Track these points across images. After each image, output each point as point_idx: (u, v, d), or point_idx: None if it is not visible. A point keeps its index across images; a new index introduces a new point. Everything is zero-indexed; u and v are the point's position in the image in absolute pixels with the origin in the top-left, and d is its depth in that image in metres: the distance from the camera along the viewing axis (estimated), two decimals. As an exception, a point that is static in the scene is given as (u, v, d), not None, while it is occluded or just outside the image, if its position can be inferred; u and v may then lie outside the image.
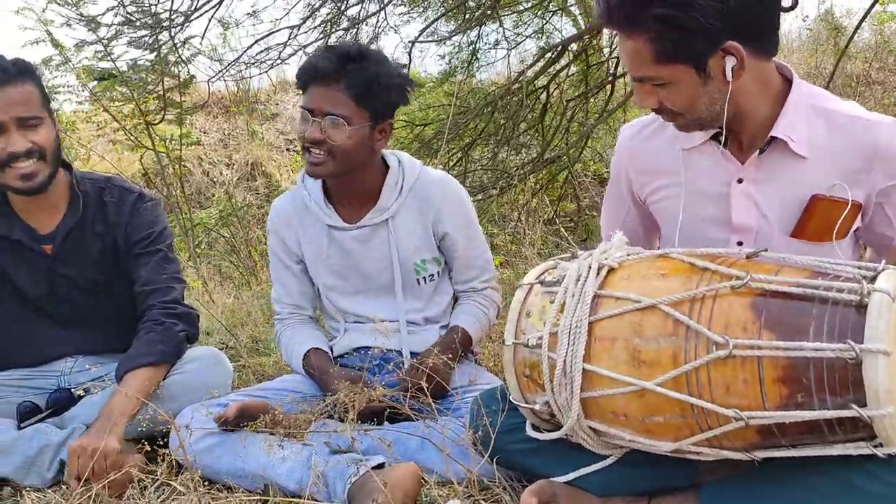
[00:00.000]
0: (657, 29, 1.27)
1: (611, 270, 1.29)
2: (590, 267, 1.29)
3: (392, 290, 1.93)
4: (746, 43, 1.29)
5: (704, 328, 1.13)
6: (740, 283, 1.13)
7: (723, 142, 1.45)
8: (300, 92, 1.84)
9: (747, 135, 1.43)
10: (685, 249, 1.28)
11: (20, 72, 1.78)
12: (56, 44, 4.21)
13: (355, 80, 1.73)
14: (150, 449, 1.66)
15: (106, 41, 3.99)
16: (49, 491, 1.72)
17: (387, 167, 1.92)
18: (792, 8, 1.34)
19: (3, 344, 1.98)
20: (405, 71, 1.86)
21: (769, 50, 1.35)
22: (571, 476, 1.39)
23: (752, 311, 1.12)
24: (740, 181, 1.46)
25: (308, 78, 1.77)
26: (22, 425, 1.83)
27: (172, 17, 3.88)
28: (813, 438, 1.12)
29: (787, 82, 1.42)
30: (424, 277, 1.93)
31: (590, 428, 1.29)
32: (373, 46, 3.17)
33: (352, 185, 1.87)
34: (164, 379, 1.85)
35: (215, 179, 7.05)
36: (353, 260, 1.92)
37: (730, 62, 1.30)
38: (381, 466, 1.55)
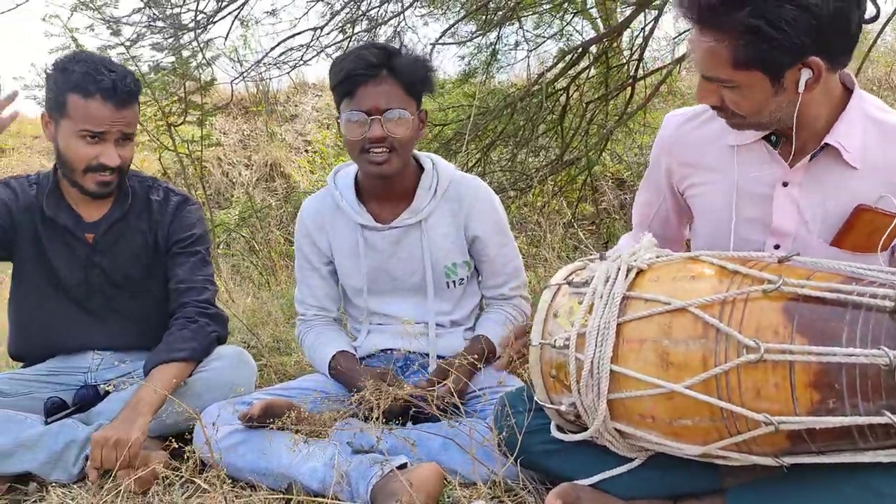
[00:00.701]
0: (743, 35, 1.24)
1: (640, 272, 1.28)
2: (619, 268, 1.29)
3: (420, 292, 1.93)
4: (826, 57, 1.27)
5: (735, 331, 1.12)
6: (772, 286, 1.12)
7: (775, 142, 1.44)
8: (337, 100, 1.82)
9: (800, 139, 1.41)
10: (715, 252, 1.27)
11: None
12: (81, 50, 4.25)
13: (403, 71, 1.76)
14: (176, 446, 1.67)
15: (129, 44, 4.03)
16: (75, 486, 1.73)
17: (421, 168, 1.93)
18: (874, 19, 1.31)
19: (35, 329, 2.02)
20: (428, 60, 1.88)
21: (843, 63, 1.33)
22: (596, 479, 1.39)
23: (784, 315, 1.11)
24: (785, 184, 1.44)
25: (356, 80, 1.75)
26: (48, 420, 1.84)
27: (197, 18, 3.91)
28: (843, 444, 1.11)
29: (847, 90, 1.40)
30: (454, 281, 1.93)
31: (616, 430, 1.28)
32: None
33: (392, 185, 1.87)
34: (189, 376, 1.87)
35: (234, 180, 7.11)
36: (382, 261, 1.92)
37: (805, 75, 1.27)
38: (403, 466, 1.55)
